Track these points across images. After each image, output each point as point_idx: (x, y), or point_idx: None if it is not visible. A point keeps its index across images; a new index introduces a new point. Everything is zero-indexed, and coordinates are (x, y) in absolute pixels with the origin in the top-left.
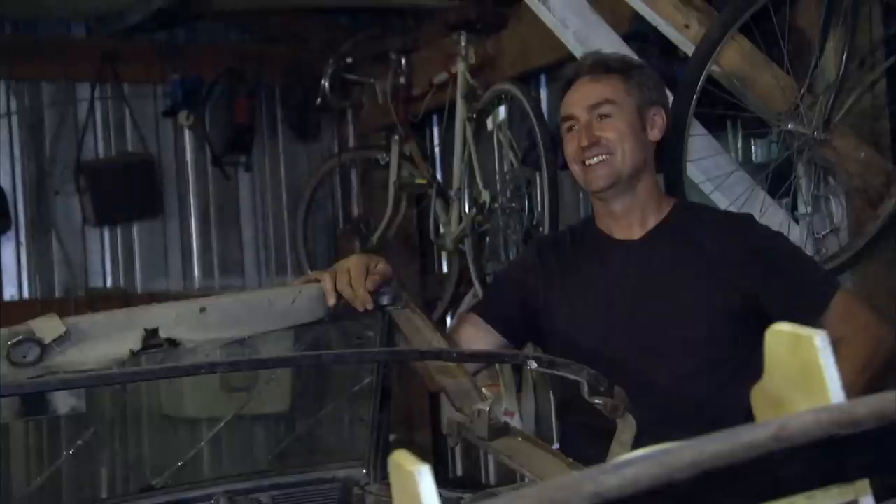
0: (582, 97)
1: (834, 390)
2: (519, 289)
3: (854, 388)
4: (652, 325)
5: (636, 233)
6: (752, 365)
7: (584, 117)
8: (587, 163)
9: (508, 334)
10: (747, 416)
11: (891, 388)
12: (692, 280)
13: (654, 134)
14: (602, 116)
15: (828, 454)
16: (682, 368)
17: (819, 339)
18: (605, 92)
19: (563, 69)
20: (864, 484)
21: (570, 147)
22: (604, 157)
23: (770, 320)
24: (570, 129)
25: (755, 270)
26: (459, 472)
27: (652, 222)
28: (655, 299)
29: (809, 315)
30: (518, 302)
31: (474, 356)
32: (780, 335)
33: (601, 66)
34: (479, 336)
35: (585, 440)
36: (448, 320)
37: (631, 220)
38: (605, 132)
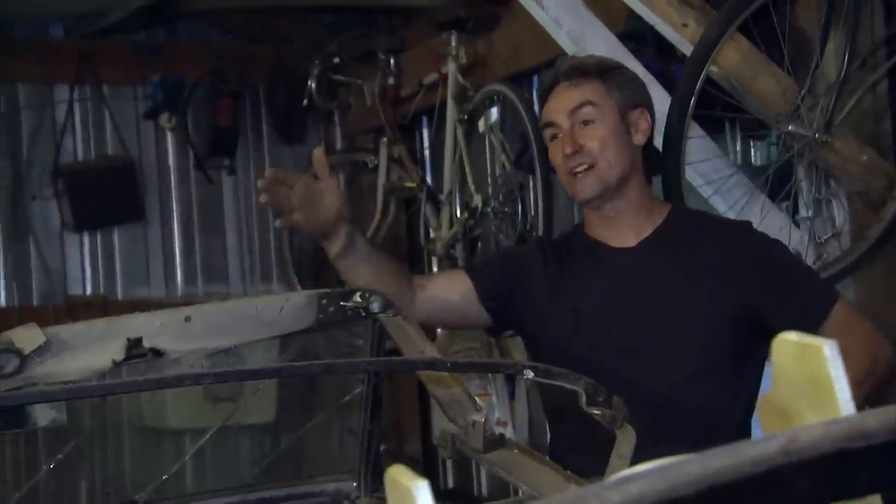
0: (562, 103)
1: (844, 402)
2: (517, 271)
3: (854, 400)
4: (648, 335)
5: (630, 240)
6: (746, 374)
7: (565, 124)
8: (573, 171)
9: (487, 298)
10: (741, 425)
11: (890, 401)
12: (689, 289)
13: (639, 138)
14: (585, 123)
15: (838, 468)
16: (678, 377)
17: (828, 349)
18: (584, 94)
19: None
20: (876, 500)
21: (556, 156)
22: (587, 165)
23: (767, 330)
24: (553, 136)
25: (754, 279)
26: (451, 484)
27: (647, 229)
28: (651, 308)
29: (809, 325)
30: (510, 278)
31: (467, 366)
32: (788, 344)
33: (577, 70)
34: (452, 287)
35: (574, 451)
36: (438, 329)
37: (624, 226)
38: (587, 140)
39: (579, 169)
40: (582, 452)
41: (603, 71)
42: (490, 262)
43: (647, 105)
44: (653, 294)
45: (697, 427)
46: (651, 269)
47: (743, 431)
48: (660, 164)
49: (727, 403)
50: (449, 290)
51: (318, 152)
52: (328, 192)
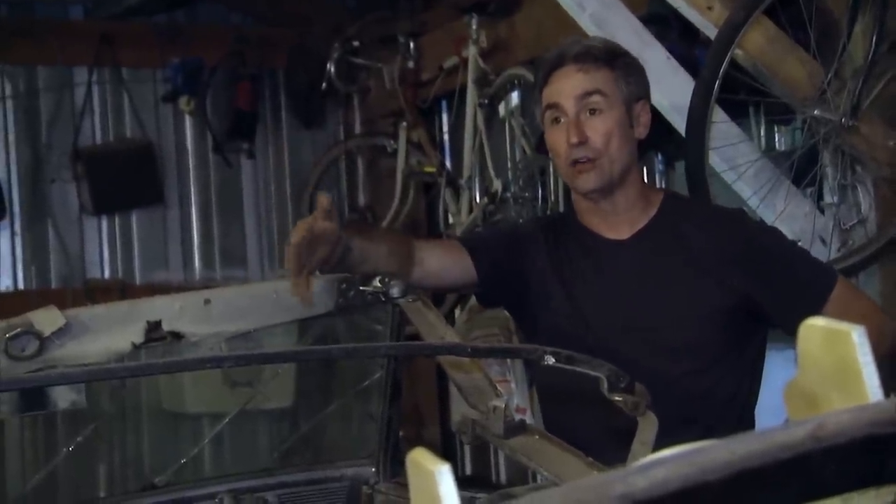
0: (570, 86)
1: (872, 388)
2: (517, 249)
3: None
4: (644, 328)
5: (625, 232)
6: (747, 361)
7: (572, 109)
8: (575, 159)
9: (483, 274)
10: (744, 414)
11: (891, 379)
12: (683, 281)
13: (640, 131)
14: (592, 112)
15: (866, 455)
16: (674, 370)
17: (856, 335)
18: (594, 82)
19: (548, 54)
20: None
21: (557, 142)
22: (590, 156)
23: (765, 318)
24: (555, 119)
25: (750, 269)
26: (469, 470)
27: (641, 220)
28: (646, 301)
29: (811, 308)
30: (510, 257)
31: (488, 351)
32: (815, 330)
33: (588, 55)
34: (451, 260)
35: (568, 437)
36: (457, 313)
37: (618, 218)
38: (593, 131)
39: (582, 159)
40: (576, 439)
41: (612, 59)
42: (489, 237)
43: (648, 97)
44: (647, 288)
45: (701, 418)
46: (645, 262)
47: (747, 420)
48: (683, 149)
49: (728, 394)
50: (447, 263)
51: (324, 199)
52: (327, 233)
